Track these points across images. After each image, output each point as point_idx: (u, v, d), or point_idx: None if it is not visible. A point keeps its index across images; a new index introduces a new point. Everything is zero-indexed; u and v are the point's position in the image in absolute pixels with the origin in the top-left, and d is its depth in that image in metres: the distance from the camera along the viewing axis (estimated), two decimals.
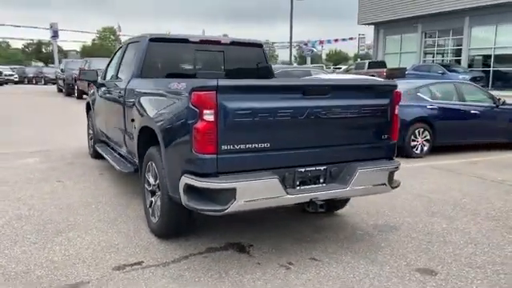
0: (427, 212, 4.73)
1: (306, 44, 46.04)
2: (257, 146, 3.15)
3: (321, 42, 50.19)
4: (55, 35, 43.60)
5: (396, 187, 3.81)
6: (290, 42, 35.16)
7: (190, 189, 3.10)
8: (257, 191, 3.10)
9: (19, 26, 61.60)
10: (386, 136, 3.71)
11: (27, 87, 32.51)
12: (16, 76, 36.73)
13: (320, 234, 4.04)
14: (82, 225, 4.15)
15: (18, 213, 4.45)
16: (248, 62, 5.41)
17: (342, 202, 4.48)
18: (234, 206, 3.03)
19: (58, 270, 3.23)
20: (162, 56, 5.00)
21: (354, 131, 3.58)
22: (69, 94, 21.56)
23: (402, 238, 3.99)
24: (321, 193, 3.39)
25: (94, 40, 73.24)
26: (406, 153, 7.64)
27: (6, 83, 34.12)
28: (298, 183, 3.36)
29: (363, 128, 3.62)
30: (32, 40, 75.03)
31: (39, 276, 3.14)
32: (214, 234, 3.92)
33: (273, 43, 51.36)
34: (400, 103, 3.77)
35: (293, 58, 42.82)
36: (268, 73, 5.47)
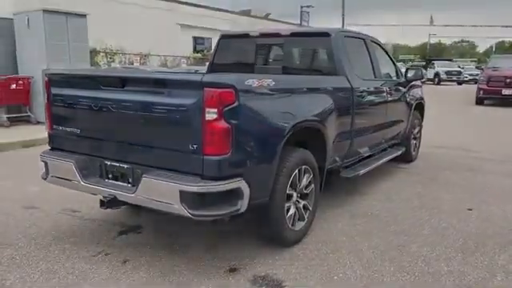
0: None
1: None
2: (70, 130, 3.49)
3: None
4: None
5: (201, 216, 2.83)
6: None
7: None
8: (58, 170, 3.48)
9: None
10: (194, 147, 2.78)
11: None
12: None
13: (207, 252, 3.44)
14: None
15: None
16: (310, 53, 4.95)
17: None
18: (49, 179, 3.56)
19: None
20: (228, 52, 5.26)
21: (149, 132, 3.05)
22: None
23: None
24: (116, 192, 3.15)
25: None
26: None
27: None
28: (109, 176, 3.30)
29: (159, 131, 2.98)
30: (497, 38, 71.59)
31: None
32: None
33: None
34: None
35: None
36: (330, 62, 4.47)
